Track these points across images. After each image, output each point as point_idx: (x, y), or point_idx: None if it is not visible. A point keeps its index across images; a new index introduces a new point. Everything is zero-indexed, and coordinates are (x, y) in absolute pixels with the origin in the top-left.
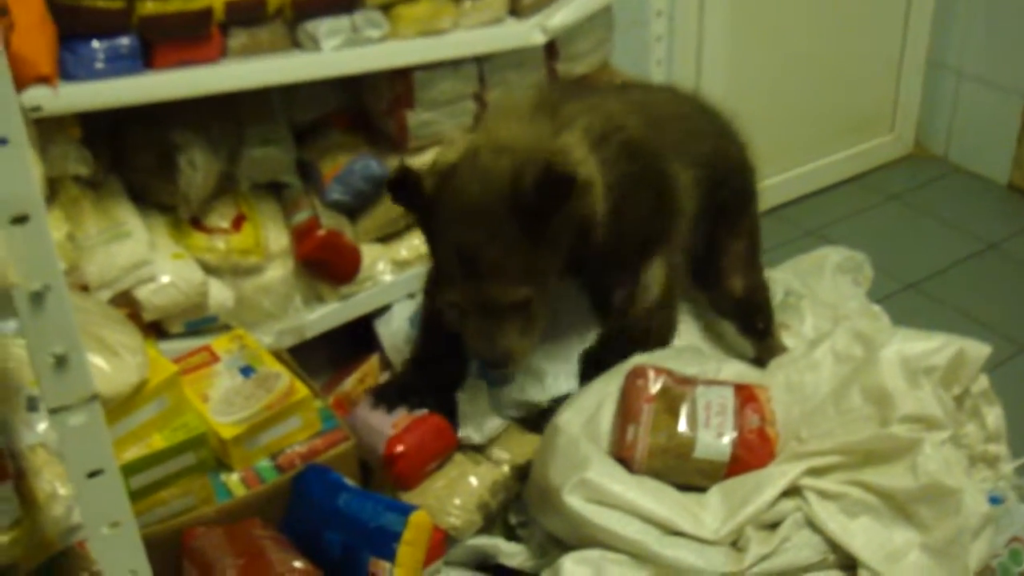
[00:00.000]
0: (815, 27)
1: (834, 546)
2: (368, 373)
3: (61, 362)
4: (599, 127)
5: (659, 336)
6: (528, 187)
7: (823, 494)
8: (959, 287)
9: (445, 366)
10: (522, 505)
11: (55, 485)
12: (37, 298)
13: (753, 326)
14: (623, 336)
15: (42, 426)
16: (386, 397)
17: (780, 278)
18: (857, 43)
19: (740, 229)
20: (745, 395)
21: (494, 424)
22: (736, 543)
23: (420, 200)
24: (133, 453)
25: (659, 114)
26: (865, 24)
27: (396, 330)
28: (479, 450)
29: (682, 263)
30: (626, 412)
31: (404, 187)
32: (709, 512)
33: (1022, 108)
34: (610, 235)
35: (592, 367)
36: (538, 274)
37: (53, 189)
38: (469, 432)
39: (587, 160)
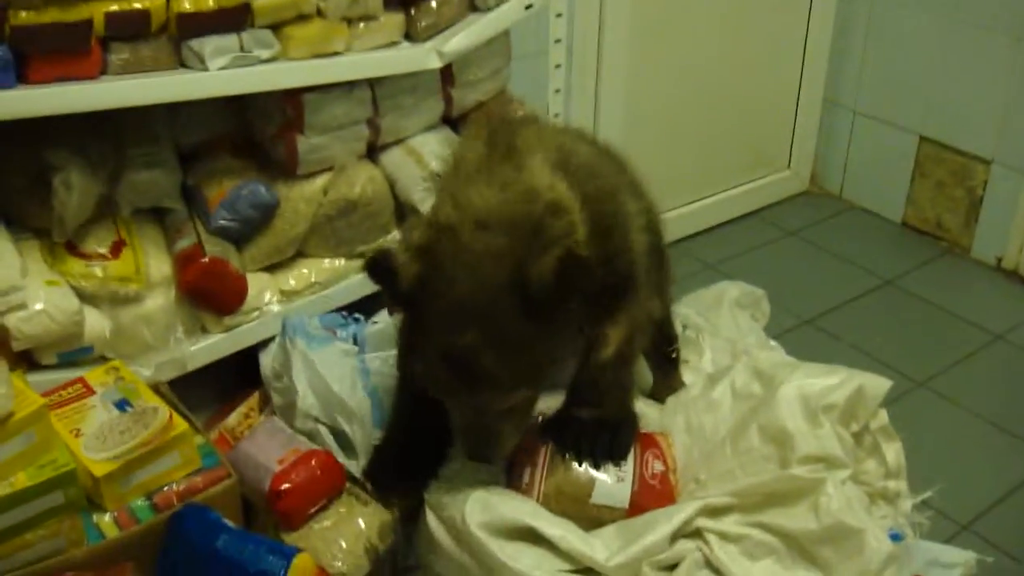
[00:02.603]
0: (715, 62)
1: None
2: (253, 408)
3: None
4: (556, 151)
5: (610, 398)
6: (547, 278)
7: (723, 536)
8: (855, 323)
9: (421, 450)
10: (411, 548)
11: None
12: None
13: (667, 355)
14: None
15: None
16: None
17: (680, 312)
18: (756, 79)
19: (661, 257)
20: (646, 441)
21: None
22: None
23: (399, 291)
24: None
25: (589, 151)
26: (763, 60)
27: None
28: (365, 489)
29: (646, 319)
30: (523, 453)
31: (382, 273)
32: (601, 540)
33: (916, 147)
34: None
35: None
36: (544, 367)
37: None
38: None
39: (555, 184)
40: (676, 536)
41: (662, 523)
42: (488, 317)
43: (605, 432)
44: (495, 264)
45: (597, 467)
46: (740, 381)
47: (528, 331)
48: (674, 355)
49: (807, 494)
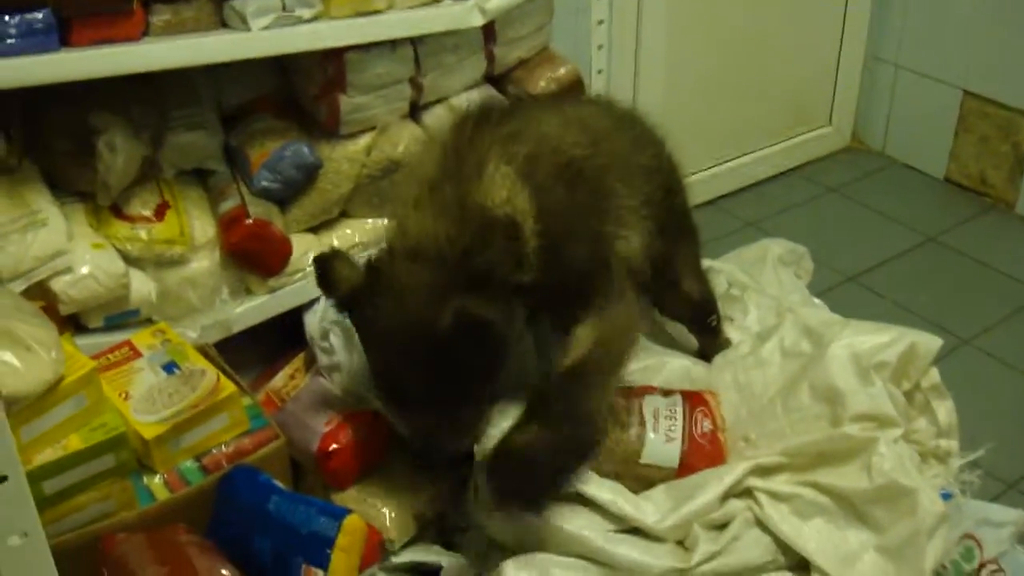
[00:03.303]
0: (755, 17)
1: (785, 547)
2: (299, 369)
3: None
4: (528, 153)
5: (559, 417)
6: (444, 330)
7: (774, 495)
8: (899, 280)
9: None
10: (460, 511)
11: None
12: None
13: (707, 325)
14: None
15: None
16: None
17: (723, 269)
18: (797, 34)
19: (685, 228)
20: (695, 399)
21: None
22: (684, 542)
23: (339, 296)
24: (47, 456)
25: (598, 128)
26: (805, 15)
27: (324, 325)
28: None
29: (626, 322)
30: None
31: (321, 275)
32: (652, 503)
33: (959, 102)
34: (544, 274)
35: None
36: (474, 392)
37: None
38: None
39: (512, 195)
40: (726, 496)
41: (712, 484)
42: (404, 349)
43: (525, 468)
44: (413, 299)
45: (505, 507)
46: (789, 339)
47: (442, 367)
48: (714, 324)
49: (859, 453)
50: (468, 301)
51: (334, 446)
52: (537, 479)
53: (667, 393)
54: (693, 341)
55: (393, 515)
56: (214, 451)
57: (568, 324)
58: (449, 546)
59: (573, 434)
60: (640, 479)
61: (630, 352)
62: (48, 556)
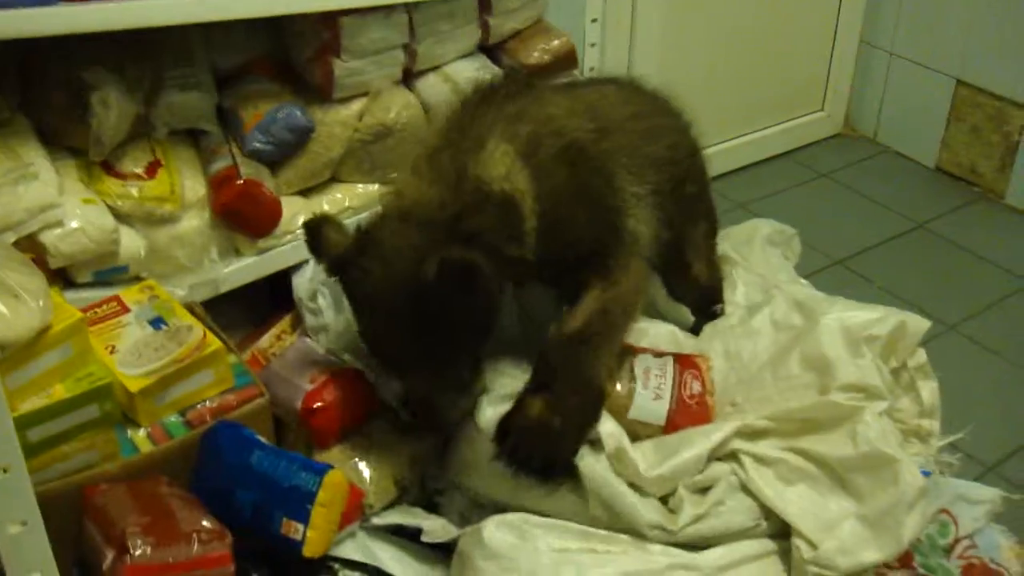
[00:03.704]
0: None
1: (767, 512)
2: (285, 330)
3: None
4: (530, 133)
5: (564, 381)
6: (428, 280)
7: (759, 459)
8: (886, 265)
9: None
10: (442, 471)
11: None
12: None
13: (711, 312)
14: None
15: None
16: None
17: None
18: (791, 19)
19: (699, 214)
20: (685, 362)
21: None
22: (668, 503)
23: (329, 259)
24: (32, 404)
25: (610, 116)
26: (801, 0)
27: (313, 286)
28: (396, 416)
29: (631, 295)
30: None
31: (312, 238)
32: (638, 453)
33: (952, 91)
34: (545, 251)
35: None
36: (456, 350)
37: None
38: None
39: (511, 173)
40: (712, 456)
41: (700, 440)
42: (393, 309)
43: (546, 438)
44: (400, 259)
45: (534, 479)
46: (780, 312)
47: (432, 324)
48: (719, 312)
49: (845, 421)
50: (453, 250)
51: (318, 403)
52: (556, 449)
53: (659, 354)
54: (684, 313)
55: (375, 477)
56: (198, 406)
57: (571, 290)
58: (431, 508)
59: (581, 400)
60: (627, 434)
61: (634, 318)
62: (30, 492)
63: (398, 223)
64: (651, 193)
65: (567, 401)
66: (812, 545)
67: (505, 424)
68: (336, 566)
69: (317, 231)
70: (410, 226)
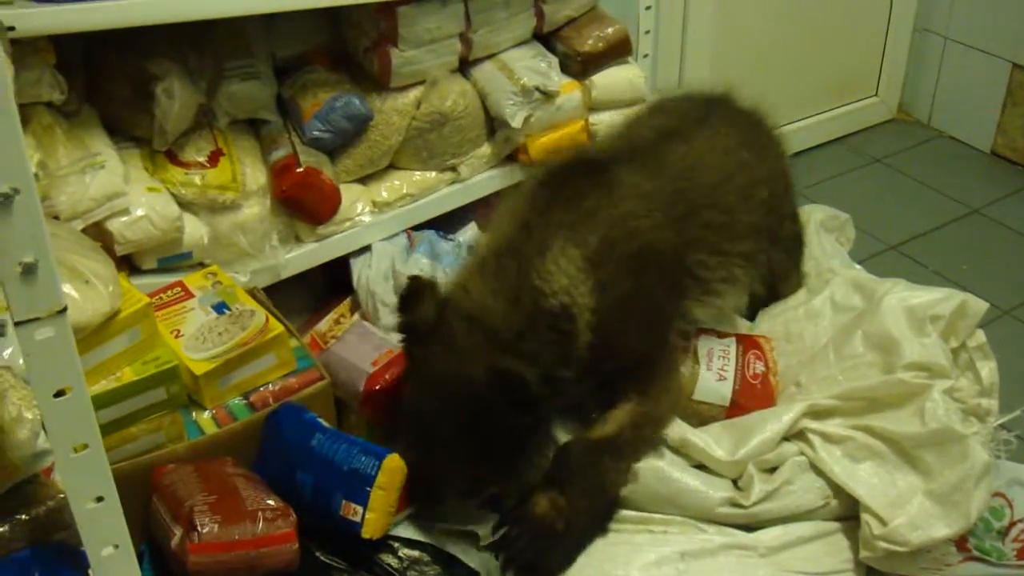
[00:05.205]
0: None
1: (836, 490)
2: (344, 314)
3: (29, 271)
4: (601, 238)
5: (577, 486)
6: (479, 391)
7: (827, 438)
8: (941, 250)
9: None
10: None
11: (20, 408)
12: (4, 201)
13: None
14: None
15: (8, 351)
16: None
17: None
18: (845, 3)
19: (792, 243)
20: (748, 343)
21: None
22: (738, 482)
23: (410, 327)
24: (102, 386)
25: (701, 185)
26: None
27: (373, 272)
28: None
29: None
30: None
31: (412, 295)
32: (710, 437)
33: (1008, 75)
34: (595, 366)
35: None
36: (489, 457)
37: (25, 115)
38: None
39: (572, 286)
40: (783, 436)
41: (771, 422)
42: (446, 398)
43: (544, 540)
44: (465, 359)
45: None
46: (840, 294)
47: (471, 426)
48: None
49: (912, 399)
50: (508, 361)
51: (379, 385)
52: (549, 554)
53: (722, 335)
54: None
55: None
56: (261, 389)
57: (607, 399)
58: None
59: (591, 506)
60: (692, 415)
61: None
62: (107, 468)
63: (466, 323)
64: (743, 263)
65: (577, 504)
66: (882, 521)
67: (507, 515)
68: (396, 544)
69: (417, 295)
70: (476, 330)
